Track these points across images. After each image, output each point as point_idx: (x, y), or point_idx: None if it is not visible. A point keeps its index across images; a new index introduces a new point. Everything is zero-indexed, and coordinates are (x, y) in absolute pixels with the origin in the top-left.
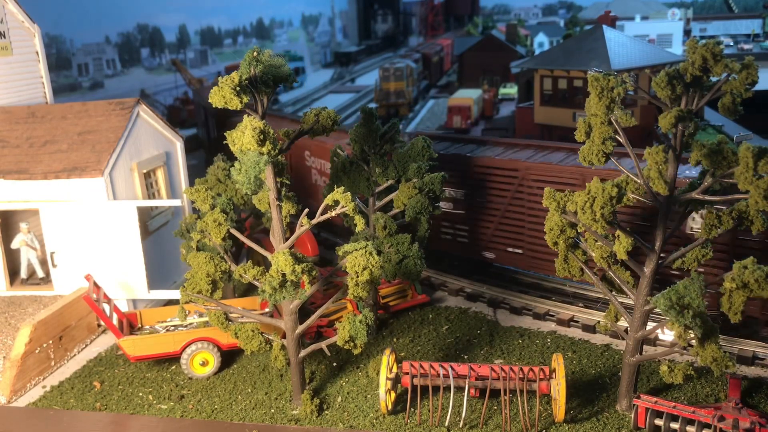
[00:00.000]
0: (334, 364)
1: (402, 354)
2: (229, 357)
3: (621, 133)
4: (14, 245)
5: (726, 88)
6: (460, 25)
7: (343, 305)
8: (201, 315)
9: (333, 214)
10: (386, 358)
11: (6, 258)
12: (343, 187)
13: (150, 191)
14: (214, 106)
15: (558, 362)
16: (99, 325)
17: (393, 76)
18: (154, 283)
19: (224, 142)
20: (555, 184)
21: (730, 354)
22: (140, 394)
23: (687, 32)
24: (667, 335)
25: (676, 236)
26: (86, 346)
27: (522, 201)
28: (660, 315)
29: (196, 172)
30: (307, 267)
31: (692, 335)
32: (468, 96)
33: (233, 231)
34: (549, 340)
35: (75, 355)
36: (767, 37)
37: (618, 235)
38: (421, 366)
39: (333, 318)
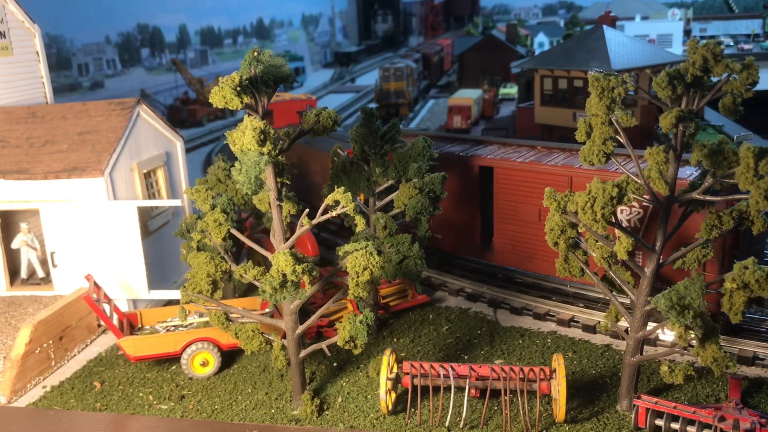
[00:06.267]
0: (335, 364)
1: (402, 354)
2: (229, 357)
3: (621, 134)
4: (14, 245)
5: (726, 89)
6: (460, 25)
7: (344, 305)
8: (201, 315)
9: (333, 214)
10: (386, 359)
11: (6, 258)
12: (343, 188)
13: (150, 191)
14: (214, 105)
15: (558, 362)
16: (99, 325)
17: (393, 76)
18: (154, 283)
19: (225, 142)
20: None
21: (731, 354)
22: (140, 394)
23: (687, 32)
24: (668, 335)
25: None
26: (86, 346)
27: None
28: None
29: None
30: (307, 267)
31: (693, 335)
32: (468, 96)
33: (234, 231)
34: (549, 341)
35: (75, 355)
36: (767, 37)
37: (618, 236)
38: (421, 366)
39: (333, 318)
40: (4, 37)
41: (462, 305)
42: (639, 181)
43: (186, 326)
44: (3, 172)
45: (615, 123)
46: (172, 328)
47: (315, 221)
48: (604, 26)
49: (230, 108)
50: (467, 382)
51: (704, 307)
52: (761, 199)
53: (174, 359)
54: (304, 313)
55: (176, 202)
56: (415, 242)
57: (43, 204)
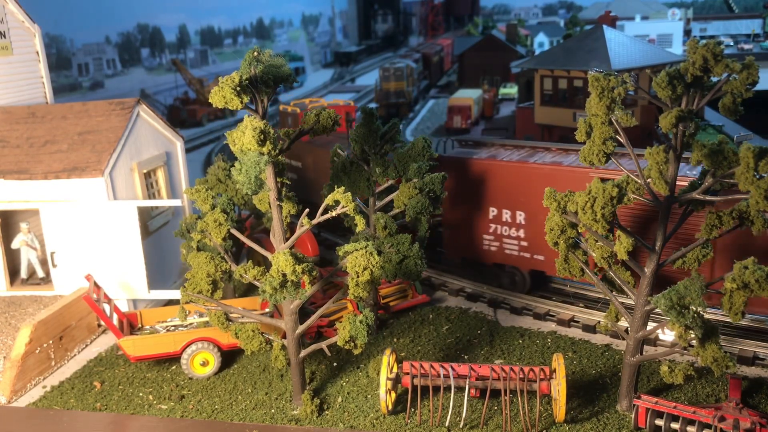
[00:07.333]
0: (335, 364)
1: (402, 354)
2: (229, 357)
3: (621, 133)
4: (14, 245)
5: (726, 88)
6: (460, 25)
7: (344, 305)
8: (201, 315)
9: (334, 214)
10: (386, 358)
11: (6, 258)
12: (343, 188)
13: (150, 191)
14: (214, 105)
15: (558, 362)
16: (99, 325)
17: (393, 76)
18: (154, 283)
19: (225, 142)
20: None
21: (731, 354)
22: (140, 394)
23: (687, 32)
24: (668, 335)
25: None
26: (86, 346)
27: None
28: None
29: None
30: (307, 267)
31: (693, 335)
32: (468, 96)
33: (233, 231)
34: (549, 341)
35: (75, 355)
36: (767, 37)
37: (618, 236)
38: (421, 366)
39: (333, 318)
40: (4, 37)
41: (462, 305)
42: (639, 181)
43: (186, 326)
44: (3, 172)
45: (615, 123)
46: (172, 328)
47: (315, 221)
48: (604, 26)
49: (230, 108)
50: (467, 382)
51: (704, 307)
52: (761, 199)
53: (174, 359)
54: (304, 313)
55: (176, 202)
56: (415, 242)
57: (43, 204)
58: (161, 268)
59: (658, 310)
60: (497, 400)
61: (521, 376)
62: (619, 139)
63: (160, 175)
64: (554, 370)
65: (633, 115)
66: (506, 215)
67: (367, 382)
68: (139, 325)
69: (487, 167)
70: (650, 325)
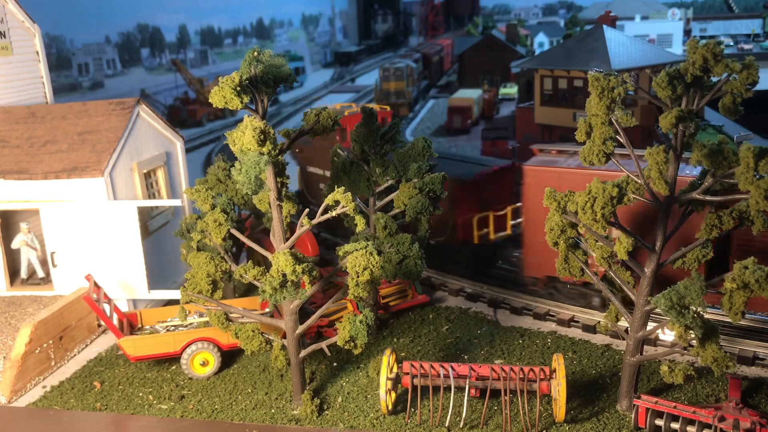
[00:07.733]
0: (335, 364)
1: (402, 354)
2: (229, 357)
3: (621, 133)
4: (14, 245)
5: (726, 88)
6: (460, 25)
7: (344, 305)
8: (201, 315)
9: (333, 214)
10: (386, 358)
11: (6, 258)
12: (343, 188)
13: (150, 191)
14: (214, 105)
15: (558, 362)
16: (99, 325)
17: (393, 76)
18: (154, 283)
19: (225, 142)
20: None
21: (731, 354)
22: (140, 394)
23: (687, 32)
24: (668, 335)
25: None
26: (86, 346)
27: None
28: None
29: None
30: (307, 267)
31: (693, 335)
32: (468, 96)
33: (234, 231)
34: (549, 341)
35: (75, 355)
36: (767, 37)
37: (618, 236)
38: (421, 366)
39: (333, 318)
40: (4, 37)
41: (462, 305)
42: (639, 181)
43: (186, 326)
44: (3, 172)
45: (615, 123)
46: (172, 328)
47: (315, 221)
48: (604, 26)
49: (230, 108)
50: (467, 382)
51: (704, 307)
52: (761, 199)
53: (174, 359)
54: (304, 313)
55: (176, 202)
56: (415, 242)
57: (43, 204)
58: (161, 268)
59: (658, 310)
60: (497, 400)
61: (521, 376)
62: (619, 139)
63: (160, 175)
64: (554, 370)
65: (633, 115)
66: None
67: (367, 382)
68: (139, 325)
69: (579, 177)
70: (650, 325)
